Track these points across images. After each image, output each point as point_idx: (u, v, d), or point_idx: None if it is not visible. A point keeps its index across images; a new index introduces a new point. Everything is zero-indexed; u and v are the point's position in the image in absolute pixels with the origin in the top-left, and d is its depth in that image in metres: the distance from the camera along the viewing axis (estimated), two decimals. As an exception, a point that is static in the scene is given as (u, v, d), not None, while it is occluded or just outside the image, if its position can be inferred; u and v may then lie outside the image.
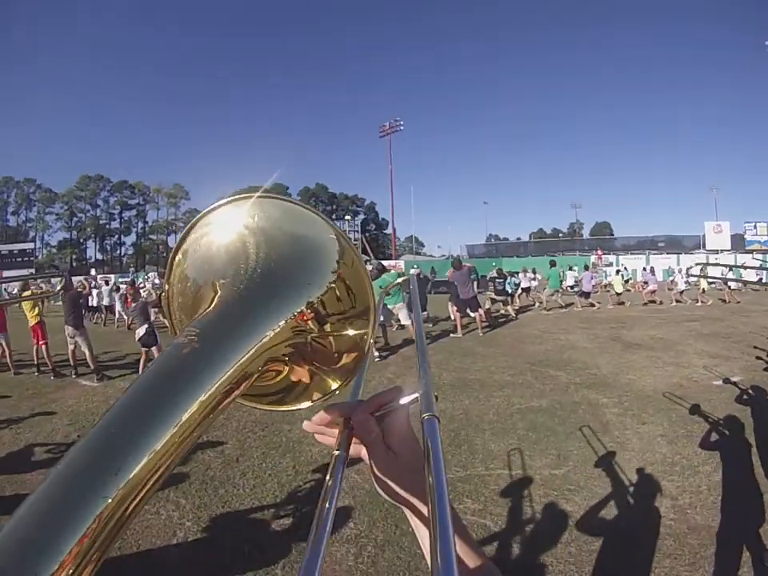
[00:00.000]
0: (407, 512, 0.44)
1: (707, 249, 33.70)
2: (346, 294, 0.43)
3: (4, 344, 6.67)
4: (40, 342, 6.64)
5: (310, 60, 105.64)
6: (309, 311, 0.42)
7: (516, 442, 3.63)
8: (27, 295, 6.27)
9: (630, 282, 19.77)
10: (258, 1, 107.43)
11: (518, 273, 14.81)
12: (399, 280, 1.08)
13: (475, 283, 9.36)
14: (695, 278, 13.95)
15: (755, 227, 34.36)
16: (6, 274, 27.65)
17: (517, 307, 12.68)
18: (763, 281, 9.94)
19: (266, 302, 0.40)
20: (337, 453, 0.40)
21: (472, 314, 9.08)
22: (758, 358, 6.07)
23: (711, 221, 36.27)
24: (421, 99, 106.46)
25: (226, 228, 0.42)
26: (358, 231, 48.98)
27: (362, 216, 69.88)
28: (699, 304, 13.53)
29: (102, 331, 11.44)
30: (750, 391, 4.65)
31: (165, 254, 59.84)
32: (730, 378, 5.15)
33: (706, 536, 2.37)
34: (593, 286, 13.91)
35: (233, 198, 0.42)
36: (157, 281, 17.26)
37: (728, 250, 32.40)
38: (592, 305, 13.16)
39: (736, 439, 3.55)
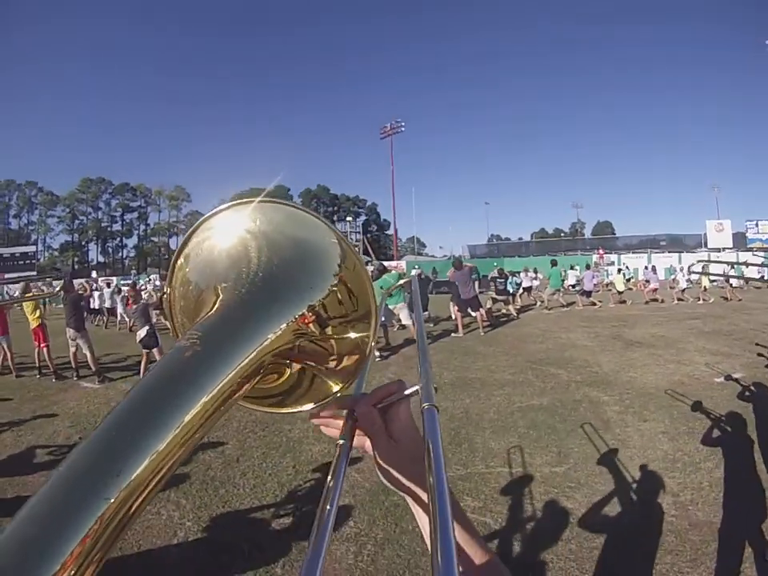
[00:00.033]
0: (409, 500, 0.45)
1: (709, 247, 33.64)
2: (347, 297, 0.44)
3: (5, 347, 6.68)
4: (41, 345, 6.64)
5: (310, 60, 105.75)
6: (310, 314, 0.42)
7: (516, 440, 3.62)
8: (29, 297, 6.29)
9: (632, 280, 19.77)
10: (258, 1, 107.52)
11: (519, 272, 14.82)
12: (401, 281, 1.08)
13: (476, 283, 9.37)
14: (697, 276, 13.93)
15: (757, 225, 34.29)
16: (7, 276, 27.69)
17: (518, 306, 12.69)
18: (765, 278, 9.92)
19: (267, 306, 0.40)
20: (341, 442, 0.42)
21: (473, 314, 9.08)
22: (760, 354, 6.05)
23: (713, 219, 36.24)
24: (421, 100, 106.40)
25: (228, 232, 0.43)
26: (359, 232, 49.01)
27: (363, 217, 70.02)
28: (701, 302, 13.50)
29: (104, 333, 11.46)
30: (752, 388, 4.64)
31: (166, 256, 59.95)
32: (731, 375, 5.14)
33: (707, 532, 2.36)
34: (594, 284, 13.89)
35: (234, 202, 0.42)
36: (158, 283, 17.27)
37: (730, 248, 32.36)
38: (593, 303, 13.14)
39: (737, 436, 3.55)
